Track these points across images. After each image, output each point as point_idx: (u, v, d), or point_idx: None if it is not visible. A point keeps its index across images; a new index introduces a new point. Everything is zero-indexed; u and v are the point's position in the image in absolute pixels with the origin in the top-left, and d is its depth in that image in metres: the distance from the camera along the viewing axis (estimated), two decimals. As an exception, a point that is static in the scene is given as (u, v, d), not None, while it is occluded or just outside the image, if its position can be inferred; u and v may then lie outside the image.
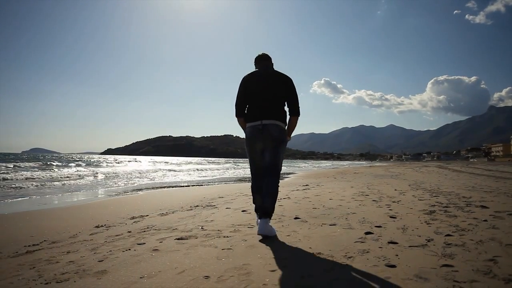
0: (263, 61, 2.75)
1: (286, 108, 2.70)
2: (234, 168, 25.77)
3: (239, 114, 2.71)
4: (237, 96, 2.70)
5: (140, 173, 15.74)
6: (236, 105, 2.71)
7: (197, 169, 22.03)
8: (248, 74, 2.71)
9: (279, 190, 2.66)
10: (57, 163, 23.54)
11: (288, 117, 2.69)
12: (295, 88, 2.68)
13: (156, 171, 17.74)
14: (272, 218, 2.69)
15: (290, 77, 2.68)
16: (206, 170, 21.48)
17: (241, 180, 12.31)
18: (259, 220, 2.53)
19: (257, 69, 2.75)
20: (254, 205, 2.72)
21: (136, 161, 40.01)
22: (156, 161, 42.79)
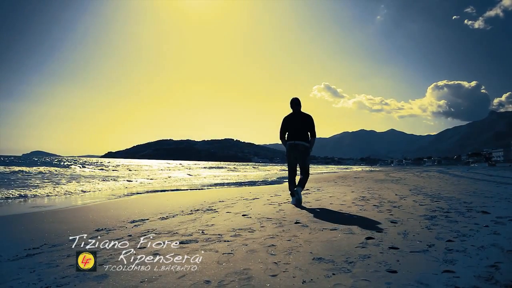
0: (296, 105, 4.65)
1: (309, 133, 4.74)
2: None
3: (281, 137, 4.76)
4: (280, 127, 4.72)
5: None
6: (280, 132, 4.74)
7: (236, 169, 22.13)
8: (288, 115, 4.69)
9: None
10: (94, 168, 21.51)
11: (309, 138, 4.65)
12: (313, 122, 4.64)
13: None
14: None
15: (311, 115, 4.64)
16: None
17: (241, 184, 12.29)
18: (292, 198, 4.58)
19: (293, 112, 4.67)
20: (289, 191, 4.75)
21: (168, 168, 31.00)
22: (188, 167, 36.12)
